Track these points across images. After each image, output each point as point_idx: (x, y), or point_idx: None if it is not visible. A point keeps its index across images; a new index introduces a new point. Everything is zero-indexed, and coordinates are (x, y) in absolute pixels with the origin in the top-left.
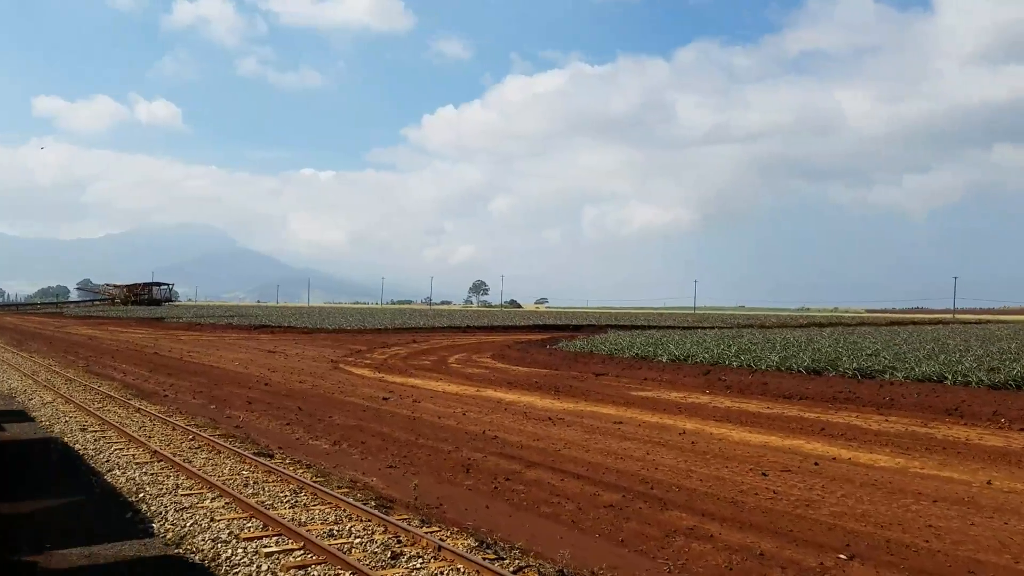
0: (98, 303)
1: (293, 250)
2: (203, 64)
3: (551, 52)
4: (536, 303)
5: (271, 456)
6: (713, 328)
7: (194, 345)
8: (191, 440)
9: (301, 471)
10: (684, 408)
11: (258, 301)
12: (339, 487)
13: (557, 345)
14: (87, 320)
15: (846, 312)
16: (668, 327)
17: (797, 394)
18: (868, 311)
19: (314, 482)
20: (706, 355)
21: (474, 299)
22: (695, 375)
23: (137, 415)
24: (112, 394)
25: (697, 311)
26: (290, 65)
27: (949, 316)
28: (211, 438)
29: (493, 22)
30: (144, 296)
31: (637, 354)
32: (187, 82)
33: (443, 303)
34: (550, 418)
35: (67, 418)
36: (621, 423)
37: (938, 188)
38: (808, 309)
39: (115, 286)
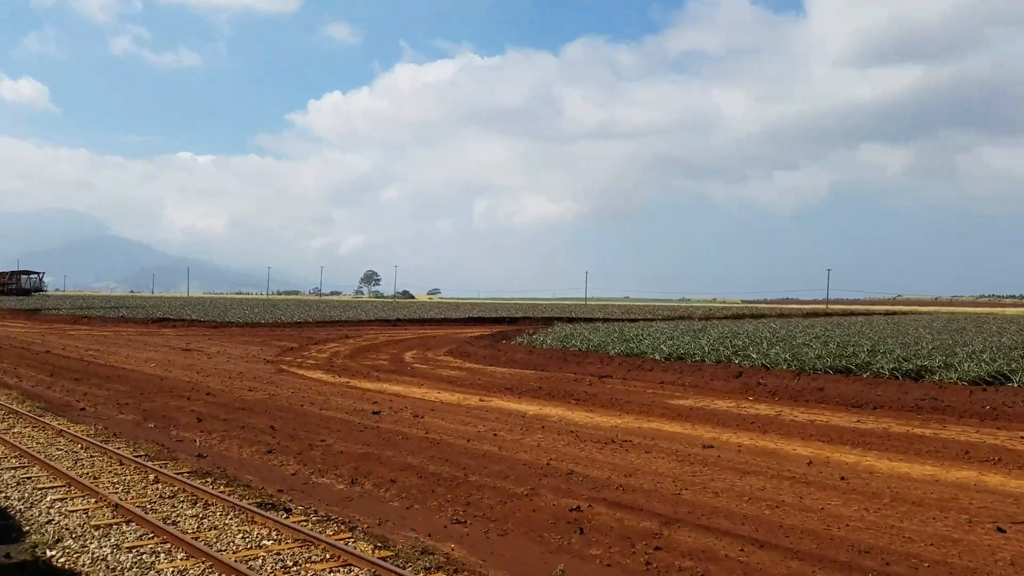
0: None
1: (168, 238)
2: (73, 42)
3: (441, 41)
4: (428, 294)
5: (284, 509)
6: (653, 320)
7: (89, 342)
8: (155, 483)
9: (345, 536)
10: (759, 423)
11: (131, 291)
12: (430, 571)
13: (518, 341)
14: None
15: (724, 303)
16: (601, 319)
17: (869, 402)
18: (744, 302)
19: (380, 558)
20: (711, 353)
21: (365, 289)
22: (724, 378)
23: (61, 440)
24: (14, 407)
25: (589, 302)
26: (167, 45)
27: (823, 307)
28: (180, 479)
29: (383, 7)
30: (12, 286)
31: (624, 352)
32: (55, 60)
33: (333, 293)
34: (612, 440)
35: None
36: (712, 447)
37: (806, 185)
38: (689, 300)
39: None
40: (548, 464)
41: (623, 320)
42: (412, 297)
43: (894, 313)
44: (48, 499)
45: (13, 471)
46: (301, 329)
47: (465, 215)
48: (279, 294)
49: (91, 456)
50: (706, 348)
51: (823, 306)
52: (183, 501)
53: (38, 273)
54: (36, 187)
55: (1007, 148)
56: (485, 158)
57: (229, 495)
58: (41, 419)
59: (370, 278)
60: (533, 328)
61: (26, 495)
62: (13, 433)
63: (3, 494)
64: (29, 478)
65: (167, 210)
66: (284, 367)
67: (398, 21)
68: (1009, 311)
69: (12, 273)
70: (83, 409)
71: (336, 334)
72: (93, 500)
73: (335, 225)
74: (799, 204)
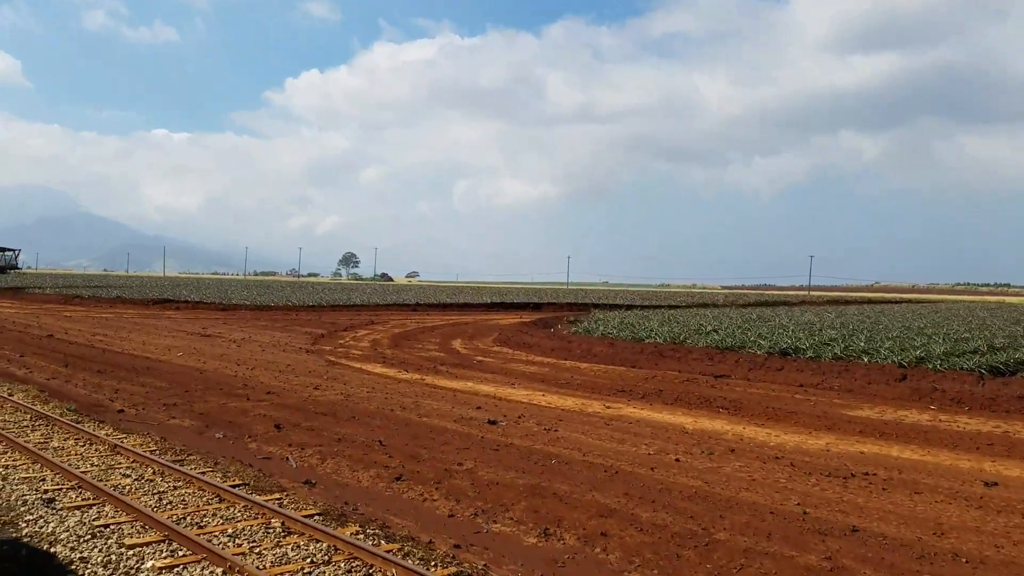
0: None
1: (142, 215)
2: (47, 15)
3: (421, 20)
4: (407, 276)
5: None
6: (678, 307)
7: (92, 325)
8: (285, 534)
9: None
10: (1008, 447)
11: (105, 270)
12: None
13: (572, 330)
14: None
15: (705, 288)
16: (626, 306)
17: None
18: (724, 287)
19: None
20: (823, 347)
21: (344, 271)
22: (882, 381)
23: (120, 459)
24: (38, 407)
25: (571, 287)
26: (143, 20)
27: (804, 293)
28: (318, 527)
29: None
30: None
31: (714, 344)
32: (28, 33)
33: (310, 275)
34: (844, 472)
35: None
36: (996, 484)
37: (786, 171)
38: (668, 285)
39: None
40: (806, 514)
41: (651, 307)
42: (391, 280)
43: (899, 301)
44: (149, 566)
45: (78, 512)
46: (317, 313)
47: (444, 197)
48: (256, 274)
49: (174, 486)
50: (812, 342)
51: (805, 293)
52: (349, 573)
53: (13, 250)
54: (7, 163)
55: (983, 136)
56: (465, 140)
57: (403, 557)
58: (79, 426)
59: (348, 260)
60: (572, 315)
61: (110, 555)
62: (54, 449)
63: (75, 551)
64: (105, 526)
65: (141, 188)
66: (331, 358)
67: None
68: (1011, 299)
69: None
70: (122, 411)
71: (358, 319)
72: (220, 571)
73: (312, 205)
74: (778, 189)
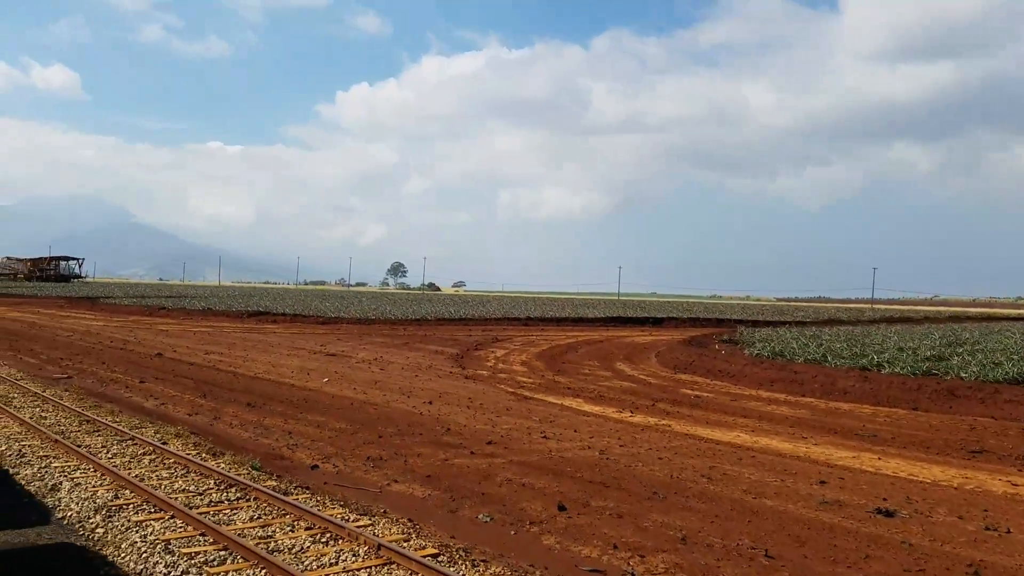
0: None
1: (193, 226)
2: (104, 30)
3: (470, 33)
4: (454, 286)
5: None
6: (810, 324)
7: (199, 341)
8: None
9: None
10: None
11: (159, 279)
12: None
13: (754, 352)
14: None
15: (759, 301)
16: (765, 323)
17: None
18: (779, 299)
19: None
20: None
21: (391, 281)
22: None
23: (397, 570)
24: (216, 466)
25: (621, 297)
26: (197, 35)
27: (867, 306)
28: None
29: None
30: (51, 271)
31: (1008, 377)
32: (87, 48)
33: (358, 284)
34: None
35: None
36: None
37: (837, 181)
38: (720, 297)
39: (17, 260)
40: None
41: (777, 324)
42: (439, 289)
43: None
44: None
45: None
46: (425, 328)
47: (487, 207)
48: (306, 284)
49: None
50: None
51: (868, 306)
52: None
53: (77, 259)
54: (64, 174)
55: None
56: (508, 150)
57: None
58: (285, 499)
59: (397, 269)
60: (712, 332)
61: None
62: (290, 551)
63: None
64: None
65: (193, 198)
66: (505, 387)
67: (427, 12)
68: None
69: (51, 258)
70: (315, 467)
71: (479, 334)
72: None
73: (358, 216)
74: (828, 200)
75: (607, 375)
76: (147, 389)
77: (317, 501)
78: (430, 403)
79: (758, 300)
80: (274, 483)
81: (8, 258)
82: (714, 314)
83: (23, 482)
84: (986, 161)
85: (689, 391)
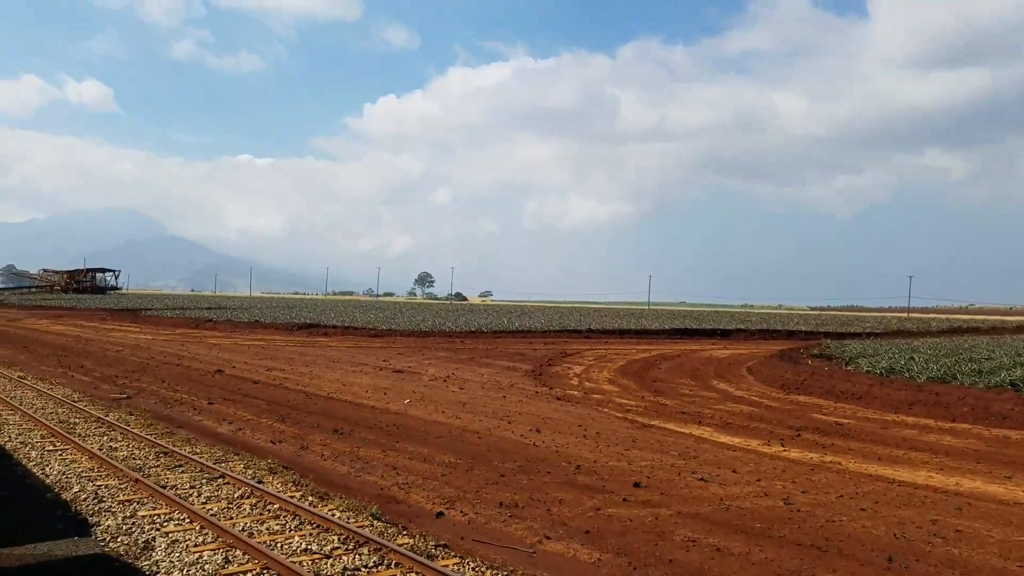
0: (34, 290)
1: (224, 238)
2: (137, 45)
3: (496, 43)
4: (480, 296)
5: None
6: (895, 335)
7: (255, 356)
8: None
9: None
10: None
11: (191, 290)
12: None
13: (869, 368)
14: (37, 311)
15: (792, 309)
16: (853, 335)
17: None
18: (811, 308)
19: None
20: None
21: (419, 290)
22: None
23: None
24: (332, 514)
25: (652, 307)
26: (229, 49)
27: (903, 315)
28: None
29: (439, 10)
30: (87, 283)
31: None
32: (120, 63)
33: (385, 295)
34: None
35: None
36: None
37: (868, 188)
38: (752, 305)
39: (54, 271)
40: None
41: (869, 335)
42: (466, 299)
43: None
44: None
45: None
46: (483, 340)
47: (513, 217)
48: (335, 294)
49: None
50: None
51: (904, 314)
52: None
53: (113, 271)
54: (99, 187)
55: None
56: (534, 159)
57: None
58: (432, 567)
59: (424, 279)
60: (797, 345)
61: None
62: None
63: None
64: None
65: (224, 211)
66: (611, 411)
67: (454, 24)
68: None
69: (87, 270)
70: (440, 515)
71: (544, 349)
72: None
73: (384, 226)
74: (859, 208)
75: (713, 396)
76: (217, 411)
77: (473, 571)
78: (537, 431)
79: (790, 309)
80: (408, 539)
81: (45, 270)
82: (772, 324)
83: (106, 536)
84: (1020, 168)
85: (822, 416)
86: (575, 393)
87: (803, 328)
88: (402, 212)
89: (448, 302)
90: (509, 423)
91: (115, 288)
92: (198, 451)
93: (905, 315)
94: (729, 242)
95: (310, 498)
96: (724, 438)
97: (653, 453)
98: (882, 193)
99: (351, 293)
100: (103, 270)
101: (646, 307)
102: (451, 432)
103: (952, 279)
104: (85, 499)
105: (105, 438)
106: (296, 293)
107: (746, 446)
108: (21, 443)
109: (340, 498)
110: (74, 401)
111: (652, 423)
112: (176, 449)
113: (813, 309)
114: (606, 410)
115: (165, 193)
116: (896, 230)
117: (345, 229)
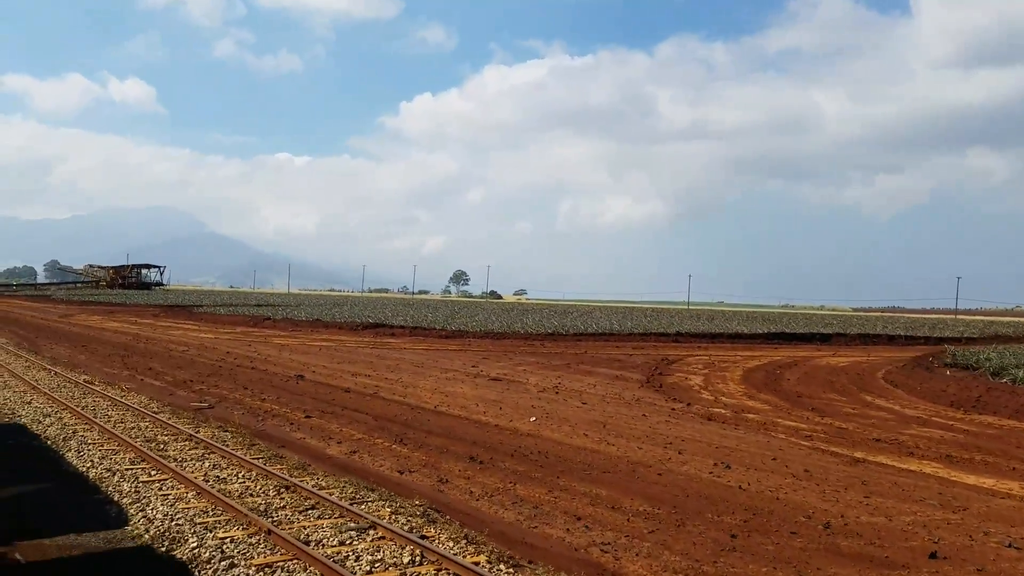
0: (80, 285)
1: (261, 235)
2: (179, 45)
3: (533, 41)
4: (515, 294)
5: None
6: (994, 340)
7: (331, 359)
8: None
9: None
10: None
11: (231, 287)
12: None
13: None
14: (87, 306)
15: (835, 311)
16: (979, 339)
17: None
18: (854, 310)
19: None
20: None
21: (453, 288)
22: None
23: None
24: None
25: (691, 307)
26: (268, 49)
27: (951, 316)
28: None
29: (476, 8)
30: (132, 279)
31: None
32: (162, 62)
33: (420, 292)
34: None
35: None
36: None
37: (909, 189)
38: (792, 306)
39: (100, 267)
40: None
41: (959, 341)
42: (500, 297)
43: None
44: None
45: None
46: (560, 343)
47: (548, 216)
48: (371, 291)
49: None
50: None
51: (952, 316)
52: None
53: (159, 267)
54: (141, 186)
55: None
56: (570, 159)
57: None
58: None
59: (459, 277)
60: (922, 351)
61: None
62: None
63: None
64: None
65: (262, 208)
66: (786, 436)
67: (491, 22)
68: None
69: (133, 266)
70: None
71: (640, 355)
72: None
73: (419, 224)
74: (900, 209)
75: (882, 415)
76: (319, 427)
77: None
78: (727, 466)
79: (832, 310)
80: None
81: (91, 266)
82: (850, 327)
83: None
84: None
85: None
86: (721, 411)
87: (901, 333)
88: (436, 211)
89: (483, 300)
90: (679, 453)
91: (160, 284)
92: (323, 484)
93: (953, 317)
94: (766, 242)
95: (501, 567)
96: (971, 479)
97: (904, 502)
98: (923, 193)
99: (386, 290)
100: (148, 266)
101: (685, 307)
102: (616, 465)
103: (995, 281)
104: (209, 560)
105: (206, 463)
106: (332, 290)
107: (1009, 491)
108: (107, 470)
109: (533, 564)
110: (154, 412)
111: (855, 455)
112: (296, 481)
113: (856, 310)
114: (780, 435)
115: (204, 191)
116: (938, 231)
117: (381, 227)
